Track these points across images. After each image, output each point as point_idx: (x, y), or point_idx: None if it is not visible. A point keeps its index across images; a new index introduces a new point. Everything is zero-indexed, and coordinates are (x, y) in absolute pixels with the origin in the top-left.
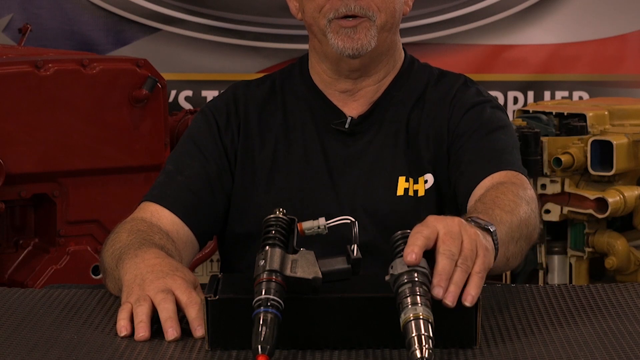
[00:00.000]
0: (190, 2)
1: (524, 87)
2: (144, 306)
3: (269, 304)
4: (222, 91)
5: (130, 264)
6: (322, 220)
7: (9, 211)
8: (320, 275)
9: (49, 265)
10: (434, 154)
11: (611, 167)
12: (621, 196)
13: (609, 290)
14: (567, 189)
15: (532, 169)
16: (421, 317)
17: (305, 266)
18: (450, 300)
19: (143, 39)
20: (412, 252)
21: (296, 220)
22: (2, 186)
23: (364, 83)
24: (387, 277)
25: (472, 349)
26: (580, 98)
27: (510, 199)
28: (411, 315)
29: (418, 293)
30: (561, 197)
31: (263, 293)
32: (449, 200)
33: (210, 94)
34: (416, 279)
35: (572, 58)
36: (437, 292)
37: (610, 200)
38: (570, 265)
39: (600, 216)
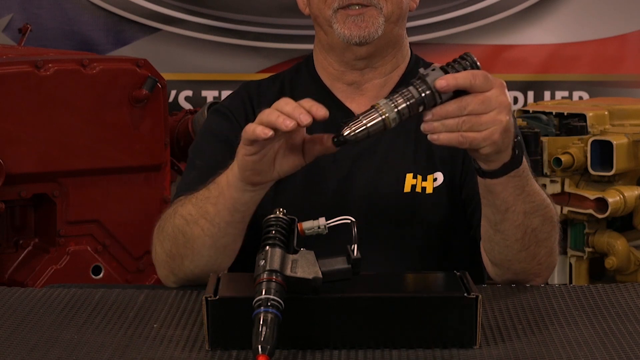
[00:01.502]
0: (190, 2)
1: (524, 87)
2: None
3: (269, 304)
4: (222, 91)
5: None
6: (322, 220)
7: (9, 211)
8: (320, 275)
9: (49, 265)
10: (448, 152)
11: (611, 167)
12: (621, 196)
13: (609, 290)
14: (567, 189)
15: (532, 169)
16: (379, 110)
17: (305, 266)
18: (424, 127)
19: (143, 39)
20: (448, 82)
21: (296, 220)
22: (2, 186)
23: (370, 75)
24: (421, 70)
25: (472, 349)
26: (580, 98)
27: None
28: (377, 105)
29: (403, 96)
30: (561, 197)
31: (263, 293)
32: (460, 200)
33: (210, 94)
34: (421, 92)
35: (572, 58)
36: (427, 116)
37: (610, 200)
38: (570, 265)
39: (600, 216)
